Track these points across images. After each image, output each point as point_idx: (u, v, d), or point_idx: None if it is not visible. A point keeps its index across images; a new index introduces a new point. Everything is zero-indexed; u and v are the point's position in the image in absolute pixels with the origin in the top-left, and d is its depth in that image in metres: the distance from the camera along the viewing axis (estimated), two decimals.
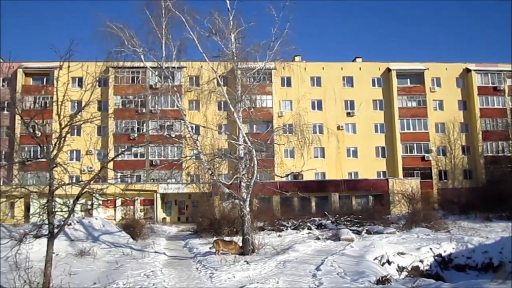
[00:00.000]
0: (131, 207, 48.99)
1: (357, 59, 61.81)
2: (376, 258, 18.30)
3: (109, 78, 54.21)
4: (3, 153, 48.22)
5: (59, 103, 14.41)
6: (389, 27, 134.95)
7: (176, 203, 52.84)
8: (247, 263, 17.69)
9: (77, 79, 38.72)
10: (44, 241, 14.61)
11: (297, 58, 49.66)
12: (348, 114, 58.83)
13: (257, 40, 23.65)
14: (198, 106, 38.21)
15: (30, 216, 28.57)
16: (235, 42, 22.41)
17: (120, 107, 56.98)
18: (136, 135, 55.37)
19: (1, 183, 42.11)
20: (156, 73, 25.97)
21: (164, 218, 50.08)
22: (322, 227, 29.65)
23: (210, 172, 22.94)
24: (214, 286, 14.27)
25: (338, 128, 56.42)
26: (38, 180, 35.35)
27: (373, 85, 60.20)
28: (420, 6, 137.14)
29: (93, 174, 16.34)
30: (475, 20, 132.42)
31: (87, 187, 14.74)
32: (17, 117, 49.57)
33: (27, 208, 33.32)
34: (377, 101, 59.87)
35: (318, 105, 58.48)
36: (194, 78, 44.57)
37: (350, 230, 26.60)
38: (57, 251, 17.23)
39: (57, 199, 14.38)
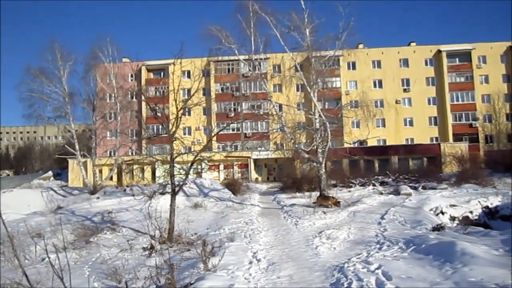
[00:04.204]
0: (231, 169, 50.25)
1: (412, 44, 58.86)
2: (431, 209, 17.64)
3: (210, 70, 55.40)
4: (134, 131, 50.57)
5: (175, 91, 14.90)
6: (440, 12, 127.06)
7: (266, 166, 53.39)
8: (324, 213, 17.63)
9: (186, 72, 39.78)
10: (168, 197, 15.24)
11: (360, 46, 48.01)
12: (405, 90, 56.59)
13: (327, 32, 23.25)
14: (281, 88, 38.07)
15: (156, 178, 30.14)
16: (310, 36, 22.10)
17: (220, 92, 58.04)
18: (233, 114, 56.34)
19: (134, 154, 44.37)
20: (247, 64, 26.09)
21: (256, 178, 50.86)
22: (384, 184, 28.84)
23: (293, 141, 22.96)
24: (299, 231, 14.35)
25: (396, 102, 54.35)
26: (161, 150, 37.17)
27: (426, 64, 57.28)
28: None
29: (203, 145, 16.84)
30: None
31: (199, 155, 15.22)
32: (143, 103, 51.94)
33: (154, 172, 34.91)
34: (430, 78, 56.97)
35: (378, 83, 56.57)
36: (277, 66, 44.39)
37: (408, 186, 25.73)
38: (177, 204, 18.06)
39: (176, 165, 14.93)
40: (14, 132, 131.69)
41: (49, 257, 6.84)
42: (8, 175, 76.33)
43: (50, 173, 60.31)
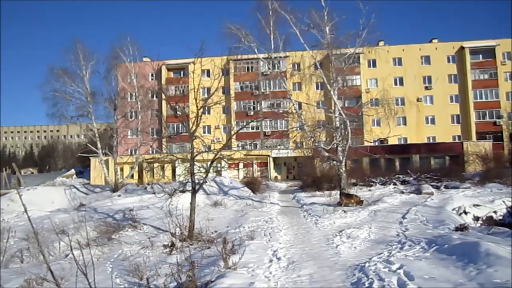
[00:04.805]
0: (251, 168, 50.31)
1: (434, 40, 57.97)
2: (454, 209, 17.35)
3: (230, 69, 55.58)
4: (154, 129, 51.03)
5: (195, 90, 14.97)
6: (462, 8, 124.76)
7: (285, 164, 53.32)
8: (345, 212, 17.50)
9: (206, 71, 39.90)
10: (188, 195, 15.34)
11: (381, 43, 47.41)
12: (426, 87, 55.85)
13: (347, 30, 23.05)
14: (301, 87, 37.89)
15: (177, 176, 30.33)
16: (330, 33, 21.95)
17: (239, 91, 58.19)
18: (252, 112, 56.41)
19: (154, 152, 44.72)
20: (267, 62, 26.09)
21: (275, 177, 50.83)
22: (406, 183, 28.47)
23: (312, 139, 22.84)
24: (319, 229, 14.28)
25: (418, 100, 53.49)
26: (182, 149, 37.40)
27: (448, 61, 56.40)
28: None
29: (222, 144, 16.88)
30: None
31: (219, 153, 15.27)
32: (164, 102, 52.39)
33: (174, 170, 35.17)
34: (452, 76, 56.10)
35: (399, 81, 55.94)
36: (296, 64, 44.23)
37: (430, 185, 25.36)
38: (198, 202, 18.14)
39: (196, 163, 15.00)
40: (38, 131, 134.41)
41: (73, 253, 6.96)
42: (32, 173, 77.98)
43: (72, 171, 61.46)
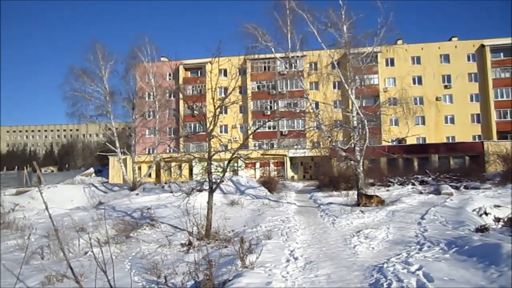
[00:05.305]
0: (267, 167, 50.28)
1: (453, 38, 57.11)
2: (474, 210, 17.02)
3: (247, 68, 55.64)
4: (172, 129, 51.37)
5: (213, 90, 15.01)
6: (483, 5, 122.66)
7: (302, 164, 53.17)
8: (362, 212, 17.36)
9: (223, 70, 39.92)
10: (205, 194, 15.39)
11: (399, 41, 46.94)
12: (445, 86, 55.07)
13: (365, 28, 22.83)
14: (317, 86, 37.72)
15: (194, 176, 30.51)
16: (347, 32, 21.77)
17: (256, 90, 58.24)
18: (269, 111, 56.38)
19: (172, 151, 45.06)
20: (284, 61, 26.01)
21: (292, 176, 50.70)
22: (424, 183, 28.08)
23: (330, 139, 22.72)
24: (336, 229, 14.19)
25: (437, 99, 52.77)
26: (199, 148, 37.63)
27: (468, 60, 55.48)
28: None
29: (238, 143, 16.87)
30: None
31: (236, 152, 15.29)
32: (181, 101, 52.74)
33: (191, 169, 35.37)
34: (472, 74, 55.19)
35: (418, 80, 55.28)
36: (313, 64, 44.01)
37: (449, 186, 24.97)
38: (214, 201, 18.24)
39: (213, 163, 15.04)
40: (58, 130, 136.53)
41: (93, 251, 7.06)
42: (53, 171, 79.24)
43: (91, 169, 62.23)
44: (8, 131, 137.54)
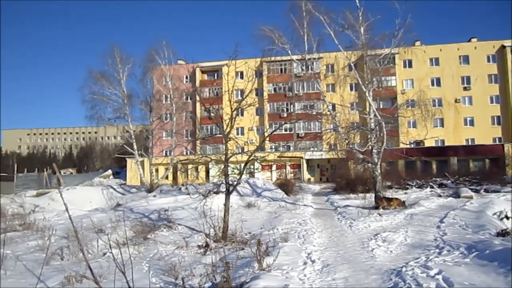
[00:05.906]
0: (284, 170, 50.22)
1: (472, 39, 56.26)
2: (495, 214, 16.71)
3: (263, 71, 55.69)
4: (189, 131, 51.64)
5: (230, 92, 15.04)
6: (502, 5, 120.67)
7: (318, 166, 52.98)
8: (380, 215, 17.19)
9: (239, 72, 40.02)
10: (222, 196, 15.44)
11: (417, 43, 46.42)
12: (465, 88, 54.26)
13: (383, 30, 22.64)
14: (334, 88, 37.51)
15: (211, 178, 30.64)
16: (364, 34, 21.59)
17: (272, 92, 58.24)
18: (285, 114, 56.32)
19: (189, 153, 45.28)
20: (300, 63, 25.96)
21: (309, 179, 50.55)
22: (443, 186, 27.72)
23: (347, 141, 22.57)
24: (353, 232, 14.08)
25: (456, 101, 52.06)
26: (215, 150, 37.75)
27: (488, 61, 54.58)
28: None
29: (255, 145, 16.87)
30: None
31: (253, 155, 15.29)
32: (198, 104, 52.99)
33: (208, 171, 35.49)
34: (492, 76, 54.27)
35: (436, 82, 54.66)
36: (330, 66, 43.80)
37: (469, 189, 24.58)
38: (231, 203, 18.21)
39: (230, 165, 15.06)
40: (77, 133, 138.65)
41: (111, 252, 7.12)
42: (72, 173, 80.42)
43: (109, 171, 63.04)
44: (28, 134, 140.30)
